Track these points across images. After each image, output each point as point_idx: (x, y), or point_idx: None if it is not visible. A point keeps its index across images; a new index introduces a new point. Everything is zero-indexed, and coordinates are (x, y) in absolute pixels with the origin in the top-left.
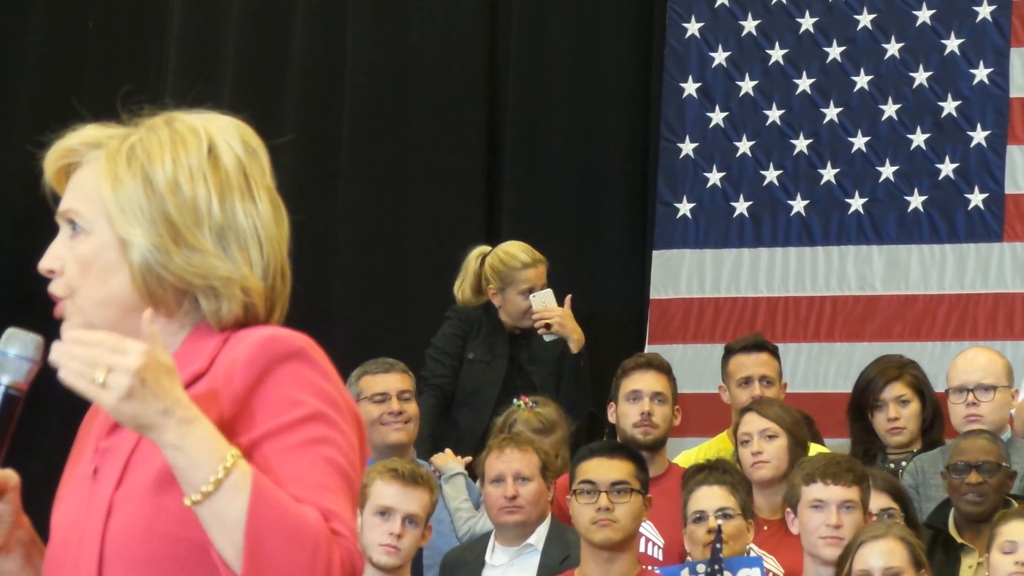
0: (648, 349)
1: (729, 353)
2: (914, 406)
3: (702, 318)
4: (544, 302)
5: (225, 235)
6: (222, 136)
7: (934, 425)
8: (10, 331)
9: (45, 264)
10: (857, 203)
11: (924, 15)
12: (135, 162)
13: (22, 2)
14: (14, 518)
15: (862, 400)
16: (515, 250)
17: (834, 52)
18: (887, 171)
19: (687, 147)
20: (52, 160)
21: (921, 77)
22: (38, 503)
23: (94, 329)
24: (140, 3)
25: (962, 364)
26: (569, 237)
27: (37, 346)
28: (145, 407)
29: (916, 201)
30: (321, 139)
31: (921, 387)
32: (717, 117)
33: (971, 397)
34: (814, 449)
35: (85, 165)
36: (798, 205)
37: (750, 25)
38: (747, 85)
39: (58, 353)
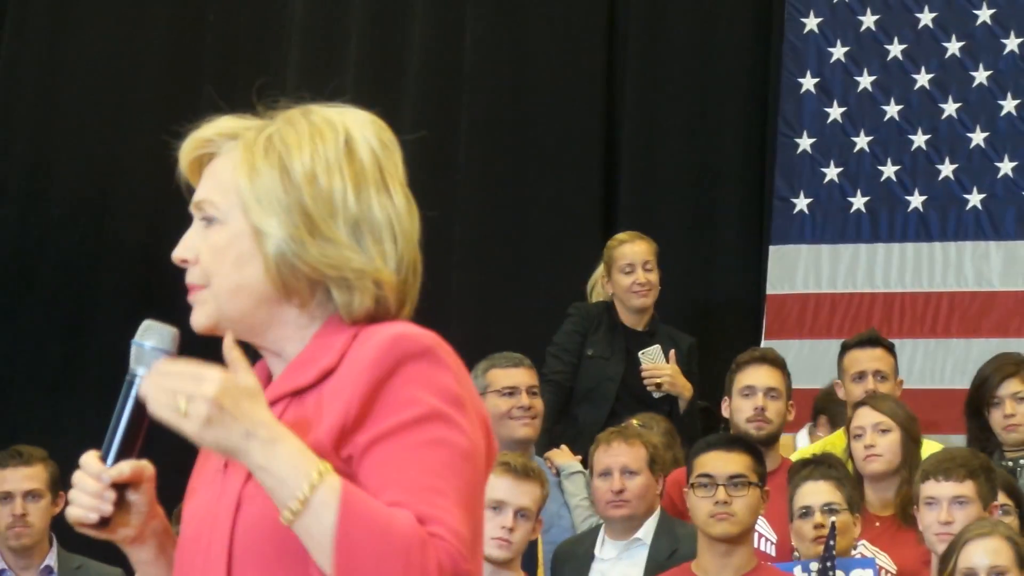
0: (764, 344)
1: (844, 349)
2: None
3: (819, 313)
4: (653, 359)
5: (360, 227)
6: (359, 130)
7: None
8: (147, 323)
9: (179, 253)
10: (975, 198)
11: None
12: (273, 153)
13: None
14: (149, 508)
15: (979, 397)
16: (618, 234)
17: (953, 47)
18: (1006, 167)
19: (805, 142)
20: (188, 150)
21: None
22: (160, 494)
23: (227, 319)
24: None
25: None
26: (686, 232)
27: (173, 338)
28: (227, 432)
29: None
30: (440, 136)
31: None
32: (835, 112)
33: None
34: (926, 445)
35: (221, 156)
36: (916, 201)
37: (869, 20)
38: (865, 80)
39: (146, 386)
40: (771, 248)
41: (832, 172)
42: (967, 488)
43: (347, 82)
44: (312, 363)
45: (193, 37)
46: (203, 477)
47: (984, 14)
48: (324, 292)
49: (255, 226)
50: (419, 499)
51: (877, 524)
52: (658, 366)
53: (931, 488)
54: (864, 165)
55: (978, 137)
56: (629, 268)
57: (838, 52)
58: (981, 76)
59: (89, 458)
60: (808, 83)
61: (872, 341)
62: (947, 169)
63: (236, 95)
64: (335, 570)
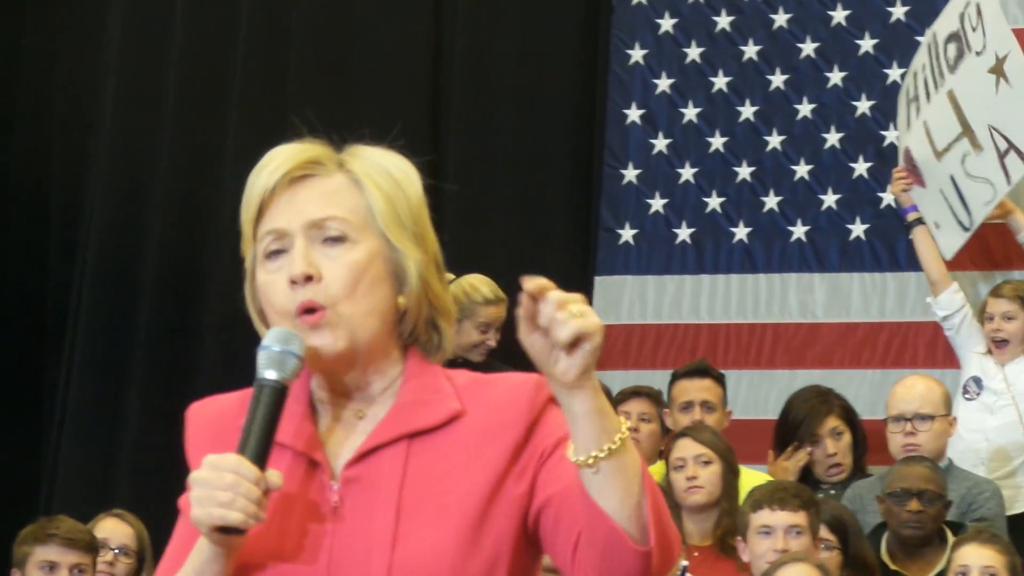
0: None
1: (674, 378)
2: (847, 437)
3: (644, 344)
4: None
5: (440, 267)
6: None
7: (860, 451)
8: (275, 330)
9: (304, 269)
10: (799, 231)
11: (867, 44)
12: (396, 184)
13: None
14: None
15: (793, 436)
16: (480, 284)
17: (777, 80)
18: (829, 199)
19: (630, 173)
20: (290, 167)
21: (864, 106)
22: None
23: (359, 343)
24: (79, 32)
25: (900, 393)
26: (511, 262)
27: (301, 343)
28: (593, 360)
29: (858, 229)
30: None
31: (850, 416)
32: (660, 144)
33: (909, 427)
34: (749, 475)
35: (323, 177)
36: (741, 232)
37: (694, 53)
38: (690, 112)
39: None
40: (596, 279)
41: (657, 203)
42: (801, 518)
43: (168, 114)
44: (427, 404)
45: (7, 63)
46: (282, 508)
47: (808, 48)
48: (419, 326)
49: (399, 249)
50: None
51: (696, 554)
52: None
53: (765, 517)
54: (689, 197)
55: (802, 170)
56: (484, 328)
57: (663, 84)
58: (805, 109)
59: (244, 463)
60: (634, 114)
61: (700, 372)
62: (772, 201)
63: (53, 124)
64: (649, 495)
